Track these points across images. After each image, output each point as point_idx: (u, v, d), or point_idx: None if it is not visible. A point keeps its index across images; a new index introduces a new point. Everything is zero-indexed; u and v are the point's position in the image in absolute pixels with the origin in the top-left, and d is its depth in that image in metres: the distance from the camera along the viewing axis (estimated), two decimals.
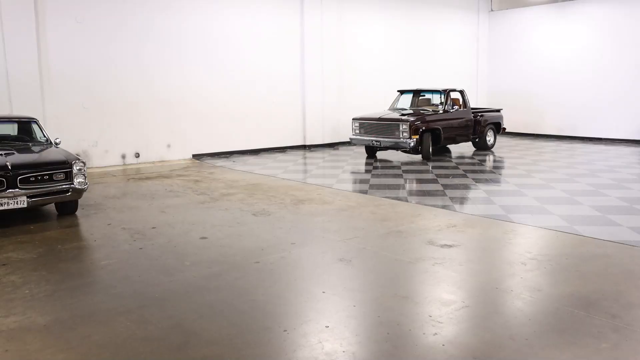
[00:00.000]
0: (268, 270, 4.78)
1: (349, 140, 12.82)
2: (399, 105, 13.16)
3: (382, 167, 10.92)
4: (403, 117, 11.45)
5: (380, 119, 11.83)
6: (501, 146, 14.56)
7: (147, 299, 4.15)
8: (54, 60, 10.21)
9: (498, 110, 14.18)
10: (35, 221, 6.66)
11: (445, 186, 8.71)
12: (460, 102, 12.74)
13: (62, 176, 6.57)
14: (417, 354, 3.28)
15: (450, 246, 5.42)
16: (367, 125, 12.10)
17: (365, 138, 12.10)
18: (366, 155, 12.72)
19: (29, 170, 6.33)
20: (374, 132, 11.83)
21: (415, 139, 11.25)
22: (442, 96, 12.38)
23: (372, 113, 12.73)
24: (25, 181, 6.28)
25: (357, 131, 12.32)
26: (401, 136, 11.31)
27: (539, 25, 17.08)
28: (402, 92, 13.42)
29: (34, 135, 7.61)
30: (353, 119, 12.49)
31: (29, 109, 9.50)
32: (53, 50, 10.20)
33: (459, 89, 12.81)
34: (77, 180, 6.66)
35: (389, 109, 13.06)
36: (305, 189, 8.56)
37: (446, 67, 17.41)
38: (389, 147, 11.76)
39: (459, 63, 17.95)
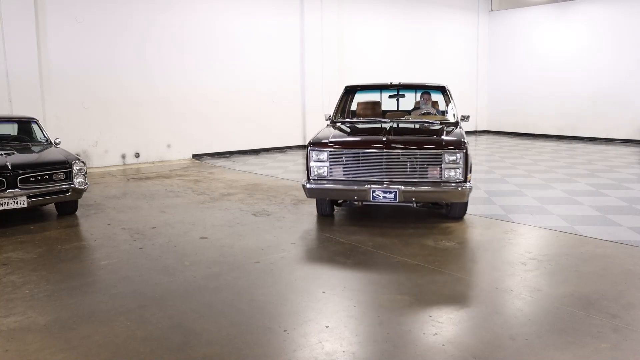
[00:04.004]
0: (268, 270, 4.78)
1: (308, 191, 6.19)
2: (345, 111, 7.71)
3: None
4: (446, 139, 5.95)
5: (406, 143, 5.92)
6: (501, 146, 14.56)
7: (147, 299, 4.15)
8: (54, 60, 10.21)
9: None
10: (35, 221, 6.66)
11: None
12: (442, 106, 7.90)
13: (62, 176, 6.57)
14: (417, 354, 3.28)
15: (450, 246, 5.42)
16: (359, 156, 5.90)
17: (356, 187, 5.85)
18: (317, 211, 6.75)
19: (29, 170, 6.33)
20: (375, 171, 5.87)
21: (470, 182, 5.97)
22: (445, 96, 7.56)
23: (332, 133, 6.44)
24: (25, 181, 6.28)
25: (327, 170, 6.01)
26: (445, 177, 5.78)
27: (539, 25, 17.08)
28: (351, 88, 7.91)
29: (34, 135, 7.61)
30: (313, 145, 6.09)
31: (29, 109, 9.50)
32: (53, 49, 10.19)
33: (442, 85, 7.84)
34: (77, 180, 6.66)
35: (330, 124, 7.21)
36: None
37: (446, 67, 17.40)
38: (411, 202, 5.94)
39: (458, 63, 17.95)
